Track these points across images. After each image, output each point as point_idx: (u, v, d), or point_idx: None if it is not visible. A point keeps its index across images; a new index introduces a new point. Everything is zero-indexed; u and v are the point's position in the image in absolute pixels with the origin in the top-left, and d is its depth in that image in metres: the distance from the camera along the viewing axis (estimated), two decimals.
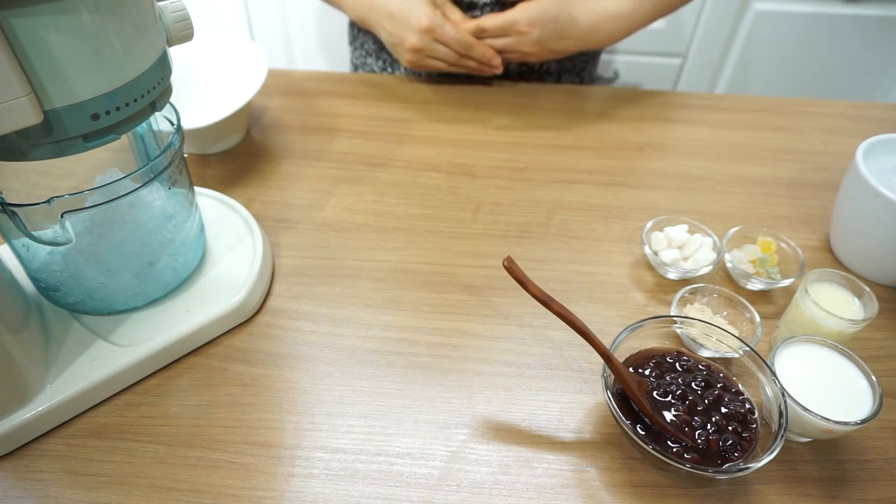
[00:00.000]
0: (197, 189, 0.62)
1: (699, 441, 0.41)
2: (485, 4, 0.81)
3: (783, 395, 0.42)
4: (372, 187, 0.68)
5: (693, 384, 0.45)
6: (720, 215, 0.66)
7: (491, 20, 0.75)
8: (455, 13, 0.77)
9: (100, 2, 0.35)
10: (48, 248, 0.46)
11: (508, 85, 0.86)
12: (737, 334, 0.46)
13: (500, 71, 0.78)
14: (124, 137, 0.46)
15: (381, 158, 0.72)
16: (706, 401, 0.43)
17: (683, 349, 0.48)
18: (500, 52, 0.77)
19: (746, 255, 0.58)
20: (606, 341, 0.44)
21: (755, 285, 0.57)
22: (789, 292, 0.58)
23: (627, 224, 0.65)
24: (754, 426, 0.42)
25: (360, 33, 0.96)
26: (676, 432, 0.42)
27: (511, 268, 0.42)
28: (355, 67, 1.02)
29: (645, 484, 0.44)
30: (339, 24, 1.47)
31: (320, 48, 1.52)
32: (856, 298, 0.51)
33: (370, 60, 0.96)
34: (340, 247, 0.61)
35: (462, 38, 0.74)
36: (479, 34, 0.76)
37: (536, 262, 0.60)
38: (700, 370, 0.45)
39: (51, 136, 0.37)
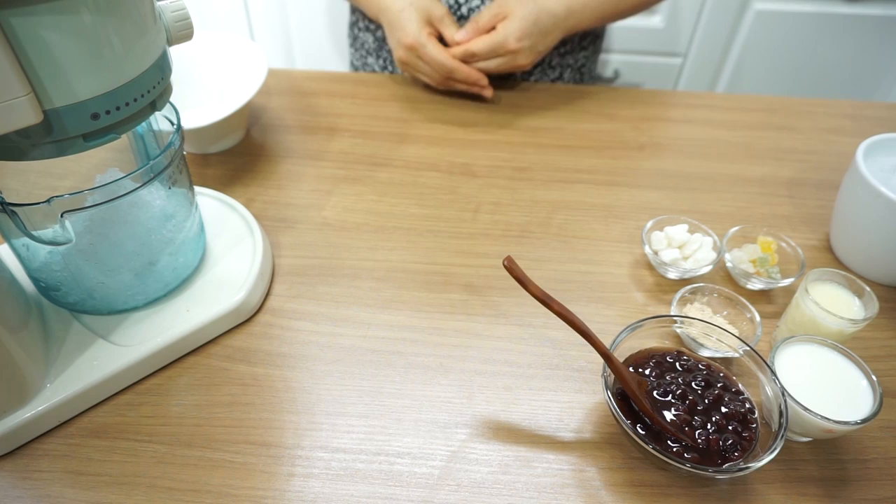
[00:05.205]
0: (197, 189, 0.62)
1: (699, 441, 0.41)
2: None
3: (783, 394, 0.42)
4: (372, 187, 0.68)
5: (693, 384, 0.45)
6: (720, 215, 0.66)
7: (479, 43, 0.75)
8: (450, 30, 0.78)
9: (100, 2, 0.35)
10: (48, 248, 0.46)
11: (509, 84, 0.86)
12: (737, 334, 0.46)
13: (490, 94, 0.79)
14: (124, 137, 0.46)
15: (381, 158, 0.72)
16: (706, 400, 0.43)
17: (683, 349, 0.48)
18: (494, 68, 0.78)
19: (746, 254, 0.58)
20: (606, 341, 0.44)
21: (755, 285, 0.57)
22: (789, 292, 0.58)
23: (627, 224, 0.65)
24: (754, 426, 0.42)
25: (360, 33, 0.97)
26: (676, 432, 0.42)
27: (511, 267, 0.42)
28: (355, 69, 1.03)
29: (645, 483, 0.44)
30: (339, 24, 1.47)
31: (320, 48, 1.52)
32: (856, 298, 0.51)
33: (370, 60, 0.97)
34: (340, 246, 0.61)
35: (443, 61, 0.75)
36: (470, 59, 0.76)
37: (536, 262, 0.60)
38: (700, 370, 0.45)
39: (51, 135, 0.37)
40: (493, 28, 0.76)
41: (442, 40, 0.78)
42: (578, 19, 0.78)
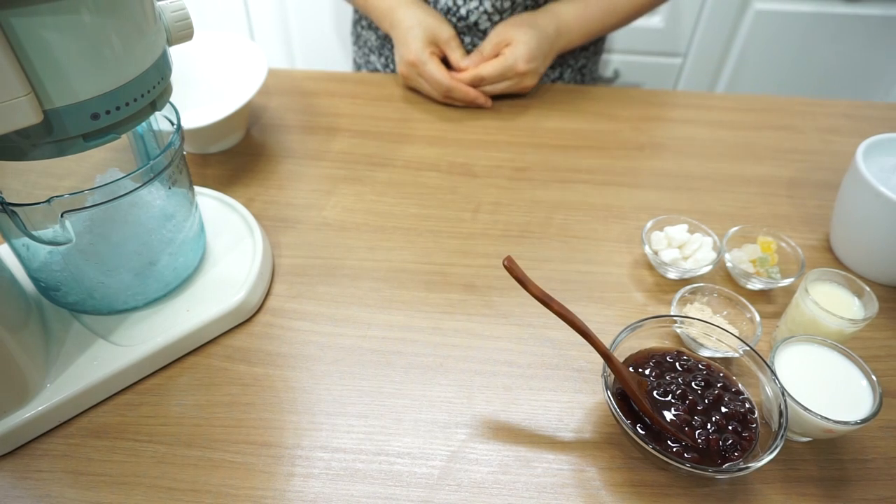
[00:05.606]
0: (197, 189, 0.62)
1: (699, 441, 0.41)
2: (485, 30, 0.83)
3: (783, 394, 0.42)
4: (372, 187, 0.68)
5: (693, 384, 0.45)
6: (720, 215, 0.66)
7: (489, 67, 0.77)
8: (456, 53, 0.80)
9: (100, 2, 0.35)
10: (48, 248, 0.47)
11: None
12: (737, 334, 0.46)
13: (489, 105, 0.81)
14: (124, 137, 0.46)
15: (381, 158, 0.72)
16: (706, 400, 0.43)
17: (683, 349, 0.48)
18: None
19: (746, 254, 0.58)
20: (606, 341, 0.44)
21: (755, 285, 0.57)
22: (789, 292, 0.58)
23: (627, 224, 0.65)
24: (754, 426, 0.42)
25: (363, 31, 0.98)
26: (676, 432, 0.42)
27: (511, 267, 0.42)
28: (358, 67, 1.03)
29: (645, 483, 0.44)
30: (339, 23, 1.47)
31: (320, 48, 1.52)
32: (856, 298, 0.51)
33: (373, 58, 0.98)
34: (340, 246, 0.61)
35: (441, 80, 0.77)
36: (479, 83, 0.78)
37: (536, 262, 0.60)
38: (700, 370, 0.45)
39: (51, 135, 0.37)
40: (497, 55, 0.78)
41: (446, 62, 0.80)
42: (568, 39, 0.81)
